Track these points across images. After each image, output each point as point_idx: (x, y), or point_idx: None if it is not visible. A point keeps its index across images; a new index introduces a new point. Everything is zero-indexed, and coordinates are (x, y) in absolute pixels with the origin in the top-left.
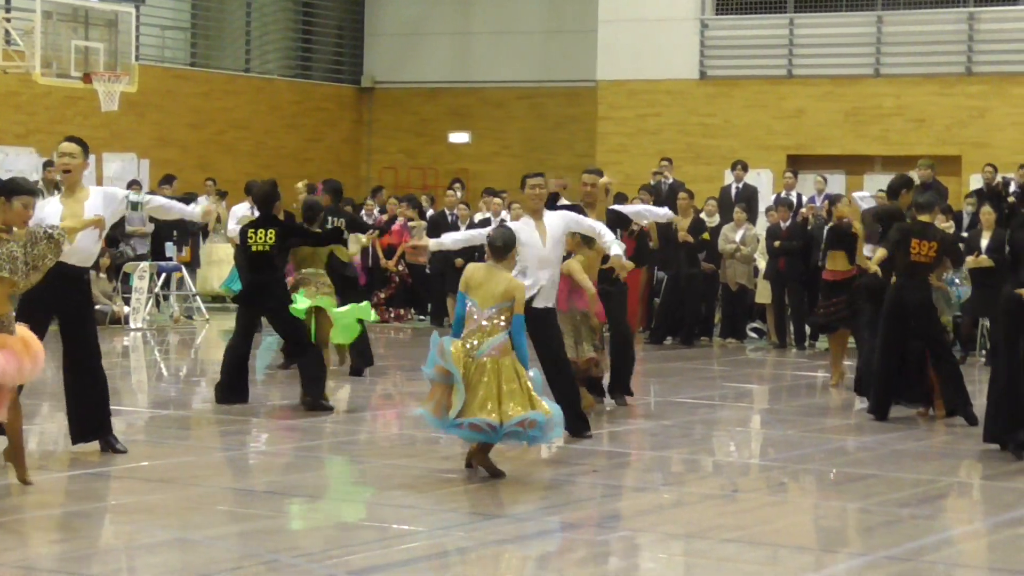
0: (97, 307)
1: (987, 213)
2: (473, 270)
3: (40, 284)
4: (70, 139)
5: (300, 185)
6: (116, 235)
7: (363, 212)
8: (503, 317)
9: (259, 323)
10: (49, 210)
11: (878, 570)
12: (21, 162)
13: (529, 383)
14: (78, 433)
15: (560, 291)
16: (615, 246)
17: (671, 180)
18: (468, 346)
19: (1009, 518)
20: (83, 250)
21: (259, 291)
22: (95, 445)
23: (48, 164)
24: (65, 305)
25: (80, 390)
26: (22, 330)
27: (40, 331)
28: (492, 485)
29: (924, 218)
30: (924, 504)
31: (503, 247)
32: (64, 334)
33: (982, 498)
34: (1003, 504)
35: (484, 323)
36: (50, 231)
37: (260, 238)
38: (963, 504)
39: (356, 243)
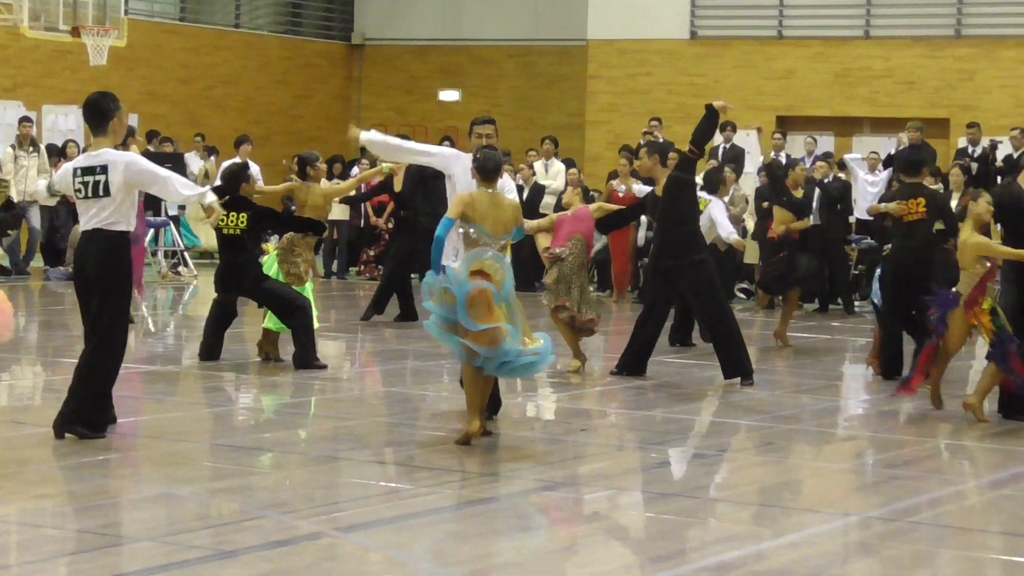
0: None
1: (956, 175)
2: (476, 199)
3: (85, 250)
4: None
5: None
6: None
7: (356, 169)
8: (507, 247)
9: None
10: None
11: (866, 530)
12: (9, 115)
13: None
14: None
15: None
16: None
17: (661, 140)
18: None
19: (996, 479)
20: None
21: (232, 273)
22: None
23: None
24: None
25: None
26: None
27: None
28: (480, 443)
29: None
30: (912, 465)
31: (495, 168)
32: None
33: (970, 459)
34: (991, 465)
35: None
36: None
37: (232, 221)
38: (951, 465)
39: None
